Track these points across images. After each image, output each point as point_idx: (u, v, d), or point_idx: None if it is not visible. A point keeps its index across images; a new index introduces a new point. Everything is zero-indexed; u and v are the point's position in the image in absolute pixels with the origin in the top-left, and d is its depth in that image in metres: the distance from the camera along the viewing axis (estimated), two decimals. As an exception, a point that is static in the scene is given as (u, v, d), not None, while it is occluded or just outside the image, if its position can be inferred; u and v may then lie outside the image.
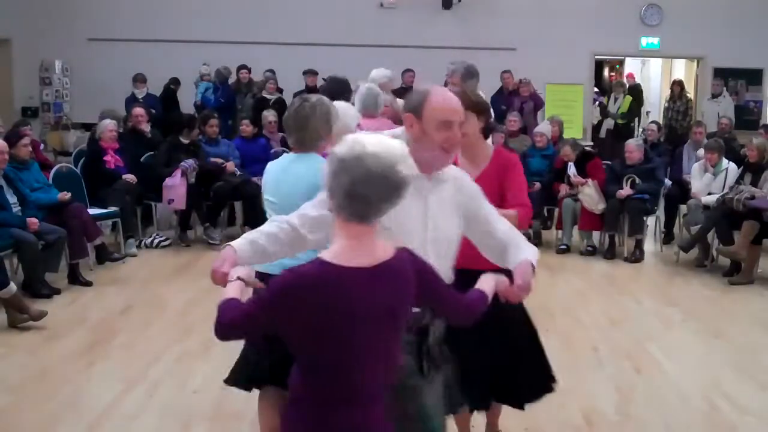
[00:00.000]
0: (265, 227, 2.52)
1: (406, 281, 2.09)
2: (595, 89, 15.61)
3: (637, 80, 15.54)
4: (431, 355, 2.58)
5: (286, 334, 2.02)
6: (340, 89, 5.60)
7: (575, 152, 8.77)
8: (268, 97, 11.42)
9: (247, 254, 2.41)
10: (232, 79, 12.21)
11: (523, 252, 2.66)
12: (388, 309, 2.03)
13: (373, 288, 2.00)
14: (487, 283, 2.49)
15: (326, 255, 2.02)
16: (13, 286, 5.77)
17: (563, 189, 8.68)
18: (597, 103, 14.18)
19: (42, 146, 10.21)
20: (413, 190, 2.21)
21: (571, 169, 8.69)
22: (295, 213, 2.54)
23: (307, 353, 2.03)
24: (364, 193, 1.96)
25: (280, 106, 11.13)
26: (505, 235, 2.73)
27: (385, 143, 2.02)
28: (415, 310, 2.33)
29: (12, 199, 6.60)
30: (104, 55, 13.44)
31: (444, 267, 2.51)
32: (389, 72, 7.20)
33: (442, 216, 2.59)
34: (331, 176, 2.00)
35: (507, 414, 4.65)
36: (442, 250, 2.58)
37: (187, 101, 12.32)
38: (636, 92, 13.76)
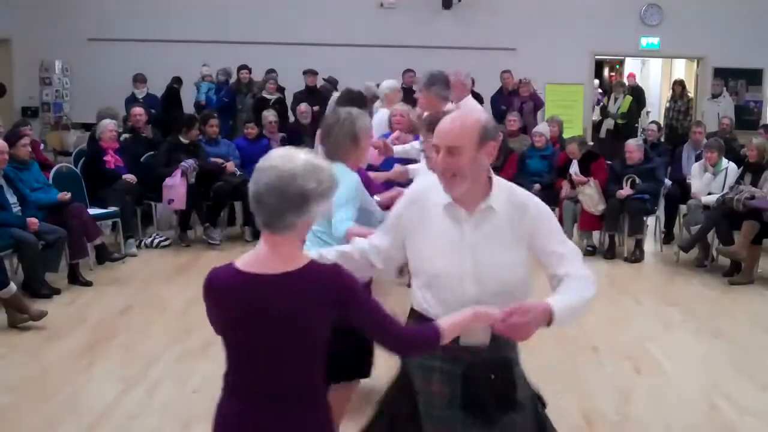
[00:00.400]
0: (344, 246, 2.67)
1: (313, 294, 2.10)
2: (599, 90, 15.61)
3: (637, 80, 15.55)
4: (477, 393, 2.43)
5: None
6: (354, 102, 5.66)
7: (581, 150, 8.78)
8: (268, 97, 11.42)
9: None
10: (232, 79, 12.21)
11: (557, 296, 2.33)
12: (285, 317, 2.09)
13: (270, 296, 2.09)
14: (454, 318, 2.27)
15: (240, 259, 2.16)
16: (13, 286, 5.78)
17: (565, 186, 8.66)
18: (600, 103, 14.17)
19: (42, 146, 10.21)
20: (451, 218, 2.39)
21: (574, 168, 8.69)
22: (373, 240, 2.65)
23: (223, 342, 2.21)
24: (266, 202, 2.10)
25: (280, 106, 11.13)
26: (564, 275, 2.42)
27: (290, 156, 2.12)
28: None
29: (12, 199, 6.60)
30: (104, 55, 13.44)
31: (493, 304, 2.28)
32: (397, 84, 7.25)
33: (488, 248, 2.41)
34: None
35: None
36: (488, 287, 2.39)
37: (188, 101, 12.33)
38: (637, 93, 13.76)
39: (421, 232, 2.50)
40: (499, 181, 2.49)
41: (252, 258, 2.15)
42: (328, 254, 2.58)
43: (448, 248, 2.44)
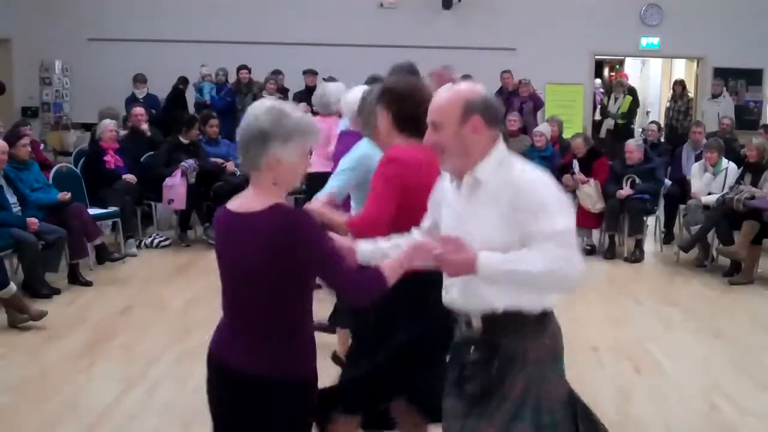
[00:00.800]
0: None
1: (269, 234, 2.28)
2: (601, 90, 15.57)
3: (637, 80, 15.56)
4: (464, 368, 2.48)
5: None
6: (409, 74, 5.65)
7: (586, 146, 8.79)
8: (268, 97, 11.42)
9: (367, 252, 2.65)
10: (232, 79, 12.20)
11: (497, 254, 2.26)
12: (245, 253, 2.33)
13: (236, 233, 2.35)
14: (397, 256, 2.45)
15: (235, 198, 2.45)
16: (13, 286, 5.78)
17: (566, 179, 8.63)
18: (600, 101, 14.15)
19: (42, 146, 10.21)
20: (453, 190, 2.47)
21: (576, 167, 8.69)
22: (423, 222, 2.72)
23: None
24: (238, 140, 2.41)
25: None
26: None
27: (263, 101, 2.45)
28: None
29: (12, 199, 6.61)
30: (104, 55, 13.44)
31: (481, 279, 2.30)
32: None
33: (475, 221, 2.38)
34: None
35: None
36: None
37: (188, 101, 12.32)
38: (632, 93, 13.73)
39: (444, 205, 2.56)
40: (498, 155, 2.42)
41: (240, 198, 2.43)
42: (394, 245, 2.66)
43: (450, 220, 2.49)
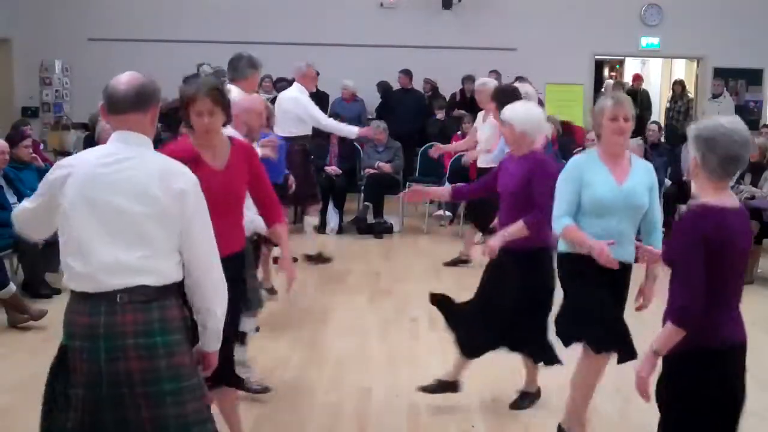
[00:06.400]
0: None
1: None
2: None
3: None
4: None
5: None
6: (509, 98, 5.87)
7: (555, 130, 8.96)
8: (266, 96, 11.41)
9: None
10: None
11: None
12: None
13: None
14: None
15: None
16: (12, 286, 5.78)
17: None
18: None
19: (42, 146, 10.22)
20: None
21: None
22: None
23: None
24: None
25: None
26: None
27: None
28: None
29: (12, 199, 6.61)
30: (104, 55, 13.42)
31: None
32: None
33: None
34: None
35: (506, 414, 4.66)
36: None
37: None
38: (644, 95, 13.65)
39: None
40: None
41: None
42: None
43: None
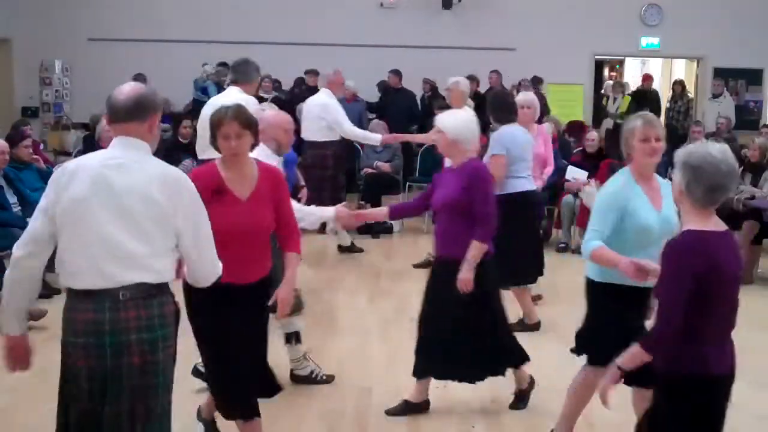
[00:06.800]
0: None
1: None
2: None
3: (637, 80, 15.50)
4: None
5: None
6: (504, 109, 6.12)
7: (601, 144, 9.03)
8: (265, 96, 11.42)
9: None
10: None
11: None
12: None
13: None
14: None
15: None
16: (13, 286, 5.77)
17: (567, 187, 8.65)
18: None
19: (42, 146, 10.22)
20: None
21: (572, 172, 8.70)
22: None
23: None
24: None
25: (277, 105, 11.11)
26: None
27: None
28: None
29: (12, 199, 6.61)
30: (104, 55, 13.44)
31: None
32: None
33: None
34: None
35: (506, 413, 4.66)
36: None
37: (185, 100, 12.32)
38: (653, 95, 13.54)
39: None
40: None
41: None
42: None
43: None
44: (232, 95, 5.80)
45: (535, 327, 6.08)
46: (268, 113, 4.84)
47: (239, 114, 3.54)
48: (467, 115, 4.67)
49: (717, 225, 2.90)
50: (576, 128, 11.49)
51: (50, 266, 6.36)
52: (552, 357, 5.06)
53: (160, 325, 2.82)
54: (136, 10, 13.64)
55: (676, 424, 2.89)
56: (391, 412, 4.56)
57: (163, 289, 2.86)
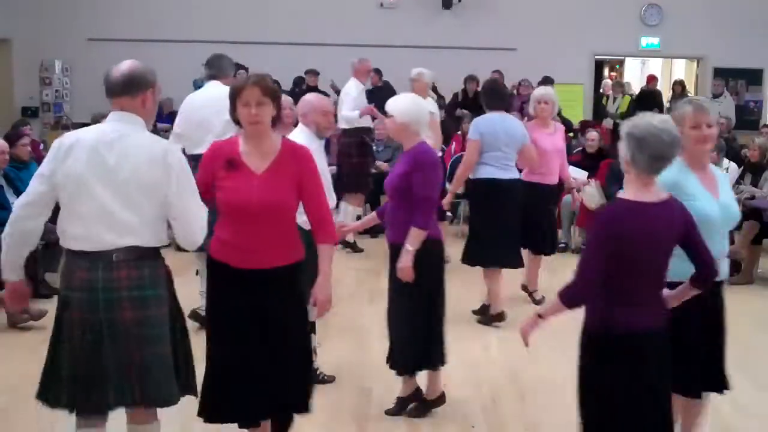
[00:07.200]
0: None
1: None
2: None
3: (638, 80, 15.50)
4: None
5: None
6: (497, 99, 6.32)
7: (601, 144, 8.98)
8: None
9: None
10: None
11: None
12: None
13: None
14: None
15: None
16: (13, 286, 5.77)
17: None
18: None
19: (42, 146, 10.22)
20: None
21: (572, 172, 8.69)
22: None
23: None
24: None
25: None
26: None
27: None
28: None
29: (12, 198, 6.60)
30: (104, 55, 13.39)
31: None
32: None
33: None
34: None
35: (506, 413, 4.66)
36: None
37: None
38: (658, 95, 13.50)
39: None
40: None
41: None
42: None
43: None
44: (218, 89, 5.79)
45: (498, 318, 6.13)
46: (310, 95, 4.86)
47: (261, 80, 3.34)
48: (414, 98, 4.63)
49: (656, 195, 3.03)
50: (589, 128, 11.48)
51: (50, 266, 6.35)
52: (551, 357, 5.06)
53: (150, 284, 3.10)
54: (136, 10, 13.64)
55: (609, 383, 3.00)
56: (390, 413, 4.56)
57: (153, 253, 3.14)
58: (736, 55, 13.50)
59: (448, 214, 10.49)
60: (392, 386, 4.90)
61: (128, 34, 13.43)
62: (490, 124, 6.09)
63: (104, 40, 13.49)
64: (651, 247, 2.98)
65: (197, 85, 12.31)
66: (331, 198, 4.60)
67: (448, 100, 12.38)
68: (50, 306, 6.00)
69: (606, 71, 17.96)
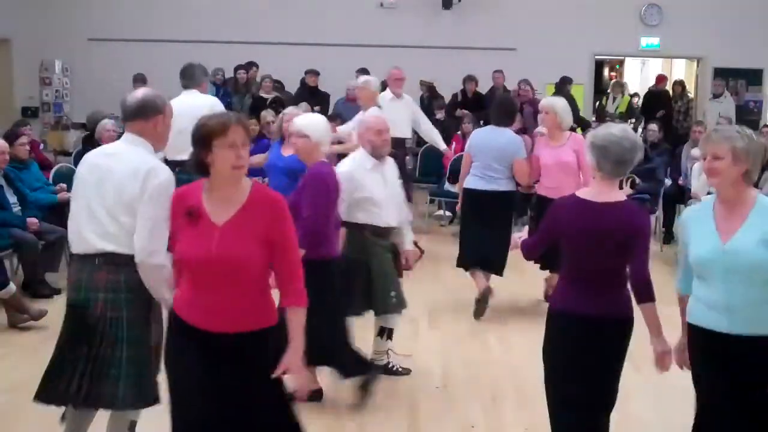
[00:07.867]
0: None
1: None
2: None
3: (638, 80, 15.49)
4: None
5: None
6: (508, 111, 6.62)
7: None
8: (265, 96, 11.42)
9: None
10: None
11: None
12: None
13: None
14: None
15: None
16: (12, 286, 5.78)
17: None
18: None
19: (42, 146, 10.22)
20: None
21: None
22: None
23: None
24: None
25: (278, 105, 11.11)
26: None
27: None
28: None
29: (12, 199, 6.61)
30: (104, 55, 13.44)
31: None
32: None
33: None
34: None
35: (506, 413, 4.66)
36: None
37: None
38: (665, 96, 13.41)
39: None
40: None
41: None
42: None
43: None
44: (199, 98, 5.88)
45: (478, 302, 6.28)
46: (368, 115, 4.94)
47: (243, 119, 3.01)
48: (321, 118, 4.67)
49: (613, 197, 3.36)
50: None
51: (50, 266, 6.39)
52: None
53: (126, 289, 3.34)
54: (136, 10, 13.63)
55: (554, 354, 3.43)
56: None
57: (131, 261, 3.30)
58: (736, 55, 13.49)
59: (448, 214, 10.54)
60: (392, 386, 4.89)
61: (128, 34, 13.44)
62: (482, 139, 6.43)
63: (104, 40, 13.49)
64: (590, 242, 3.30)
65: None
66: (404, 212, 5.04)
67: (447, 100, 12.36)
68: (50, 306, 6.02)
69: (606, 71, 17.98)
